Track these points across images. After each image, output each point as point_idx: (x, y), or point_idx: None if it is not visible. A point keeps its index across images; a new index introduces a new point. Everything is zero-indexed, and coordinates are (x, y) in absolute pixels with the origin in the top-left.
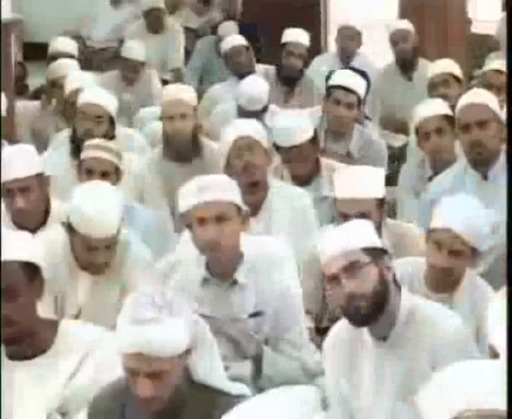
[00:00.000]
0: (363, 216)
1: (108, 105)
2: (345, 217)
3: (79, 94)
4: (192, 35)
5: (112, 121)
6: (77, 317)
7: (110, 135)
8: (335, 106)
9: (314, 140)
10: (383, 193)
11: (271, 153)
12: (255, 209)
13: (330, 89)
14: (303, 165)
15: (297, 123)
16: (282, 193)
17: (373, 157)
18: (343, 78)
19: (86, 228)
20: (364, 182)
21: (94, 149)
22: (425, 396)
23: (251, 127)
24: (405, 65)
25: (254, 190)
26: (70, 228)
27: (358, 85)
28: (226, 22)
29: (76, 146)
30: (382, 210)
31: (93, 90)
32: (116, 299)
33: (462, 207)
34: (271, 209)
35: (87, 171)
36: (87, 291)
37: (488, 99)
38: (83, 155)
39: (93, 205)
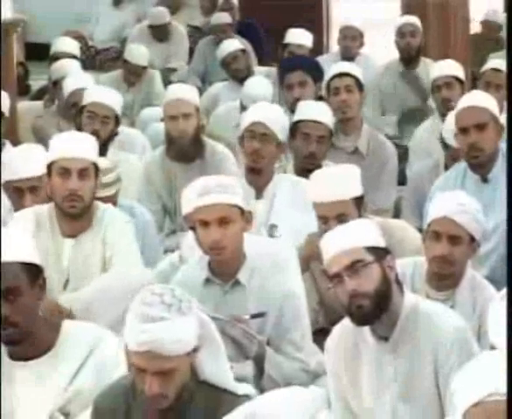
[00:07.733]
0: (342, 216)
1: (115, 104)
2: (325, 220)
3: (84, 93)
4: (197, 33)
5: (117, 120)
6: (66, 282)
7: (114, 133)
8: (335, 97)
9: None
10: (360, 190)
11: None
12: (258, 191)
13: (330, 80)
14: (318, 152)
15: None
16: (285, 179)
17: (382, 157)
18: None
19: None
20: (340, 182)
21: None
22: (457, 380)
23: (271, 116)
24: (409, 60)
25: (256, 177)
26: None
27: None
28: (218, 13)
29: None
30: (361, 208)
31: (99, 89)
32: (100, 256)
33: (454, 196)
34: (274, 189)
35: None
36: (71, 253)
37: (487, 102)
38: None
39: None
